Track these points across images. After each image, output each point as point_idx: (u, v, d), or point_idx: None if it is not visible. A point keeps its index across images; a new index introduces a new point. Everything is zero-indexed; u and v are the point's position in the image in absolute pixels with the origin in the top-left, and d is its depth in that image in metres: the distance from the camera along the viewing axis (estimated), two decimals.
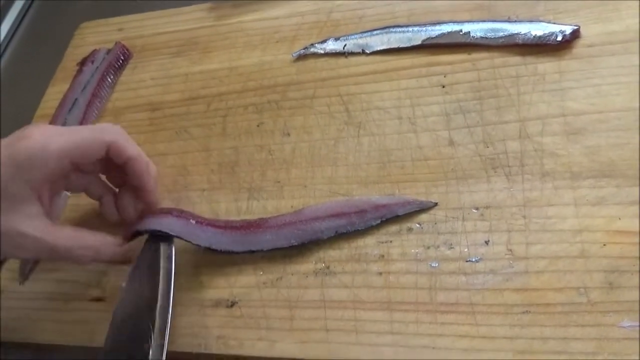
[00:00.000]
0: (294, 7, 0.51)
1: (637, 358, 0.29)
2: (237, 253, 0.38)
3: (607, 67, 0.38)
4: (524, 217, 0.34)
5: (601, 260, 0.32)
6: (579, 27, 0.40)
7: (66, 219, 0.45)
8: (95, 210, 0.42)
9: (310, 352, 0.34)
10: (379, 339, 0.33)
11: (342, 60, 0.46)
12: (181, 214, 0.39)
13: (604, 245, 0.32)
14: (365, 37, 0.46)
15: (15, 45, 0.67)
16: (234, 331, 0.36)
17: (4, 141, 0.34)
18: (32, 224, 0.35)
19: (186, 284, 0.38)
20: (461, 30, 0.42)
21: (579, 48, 0.40)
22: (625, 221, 0.33)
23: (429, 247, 0.35)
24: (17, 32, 0.68)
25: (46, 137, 0.34)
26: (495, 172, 0.36)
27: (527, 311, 0.31)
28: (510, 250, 0.34)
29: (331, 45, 0.46)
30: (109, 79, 0.52)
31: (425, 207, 0.37)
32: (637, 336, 0.29)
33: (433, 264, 0.34)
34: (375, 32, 0.45)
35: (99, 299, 0.40)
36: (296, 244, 0.37)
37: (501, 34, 0.41)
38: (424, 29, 0.44)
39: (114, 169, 0.39)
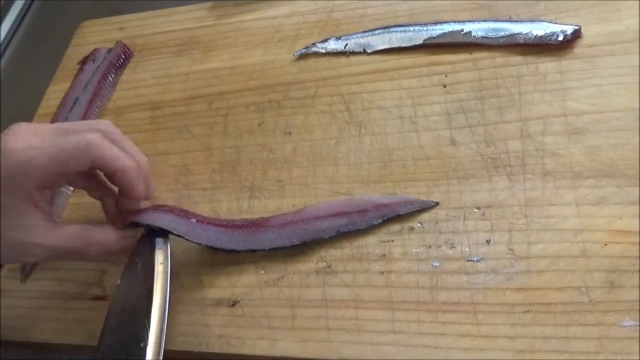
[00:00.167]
0: (295, 6, 0.51)
1: (638, 357, 0.29)
2: (239, 252, 0.37)
3: (608, 67, 0.38)
4: (526, 216, 0.34)
5: (602, 259, 0.32)
6: (580, 27, 0.40)
7: (67, 218, 0.45)
8: (98, 207, 0.42)
9: (312, 351, 0.34)
10: (381, 338, 0.33)
11: (343, 60, 0.46)
12: (182, 212, 0.39)
13: (605, 244, 0.32)
14: (366, 36, 0.46)
15: (16, 44, 0.67)
16: (236, 330, 0.36)
17: None
18: (33, 232, 0.34)
19: (188, 283, 0.38)
20: (462, 30, 0.42)
21: (580, 48, 0.40)
22: (626, 221, 0.33)
23: (430, 247, 0.35)
24: (18, 31, 0.68)
25: (26, 152, 0.33)
26: (496, 171, 0.37)
27: (528, 310, 0.32)
28: (512, 249, 0.34)
29: (332, 45, 0.46)
30: (110, 78, 0.52)
31: (426, 207, 0.37)
32: (638, 335, 0.30)
33: (434, 264, 0.34)
34: (376, 31, 0.45)
35: (99, 298, 0.40)
36: (298, 243, 0.37)
37: (502, 33, 0.41)
38: (425, 28, 0.44)
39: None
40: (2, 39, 0.66)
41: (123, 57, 0.53)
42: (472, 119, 0.39)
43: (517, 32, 0.41)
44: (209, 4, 0.55)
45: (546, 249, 0.33)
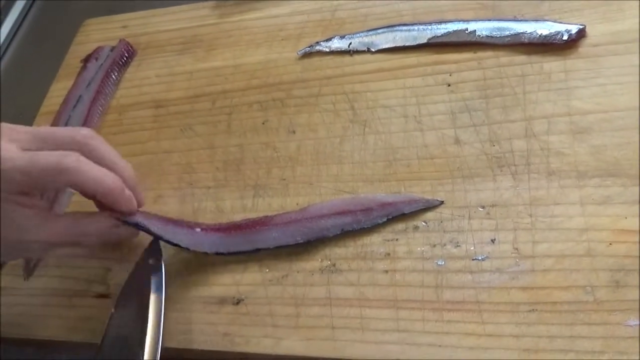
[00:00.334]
0: (298, 5, 0.51)
1: None
2: (244, 253, 0.37)
3: (613, 66, 0.38)
4: (530, 215, 0.34)
5: (607, 259, 0.32)
6: (585, 26, 0.40)
7: None
8: None
9: (316, 349, 0.34)
10: (385, 336, 0.33)
11: (347, 59, 0.46)
12: (187, 224, 0.39)
13: (610, 244, 0.32)
14: (370, 35, 0.46)
15: (19, 42, 0.67)
16: (240, 328, 0.36)
17: None
18: (25, 230, 0.34)
19: (192, 280, 0.38)
20: (467, 29, 0.42)
21: (584, 47, 0.40)
22: (630, 220, 0.33)
23: (435, 246, 0.35)
24: (21, 28, 0.68)
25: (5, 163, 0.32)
26: (501, 170, 0.37)
27: (533, 309, 0.32)
28: (517, 248, 0.34)
29: (336, 44, 0.46)
30: (113, 76, 0.52)
31: (431, 206, 0.37)
32: None
33: (439, 262, 0.34)
34: (380, 30, 0.45)
35: (102, 296, 0.40)
36: (302, 241, 0.37)
37: (507, 33, 0.41)
38: (430, 27, 0.44)
39: None
40: (5, 35, 0.66)
41: (126, 55, 0.53)
42: (477, 118, 0.39)
43: (521, 31, 0.41)
44: (212, 2, 0.55)
45: (551, 248, 0.33)
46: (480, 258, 0.34)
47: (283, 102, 0.45)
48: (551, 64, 0.40)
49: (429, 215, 0.36)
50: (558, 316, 0.31)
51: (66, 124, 0.49)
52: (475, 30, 0.42)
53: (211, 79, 0.49)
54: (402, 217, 0.37)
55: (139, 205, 0.37)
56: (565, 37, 0.40)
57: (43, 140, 0.34)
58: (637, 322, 0.30)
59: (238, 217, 0.40)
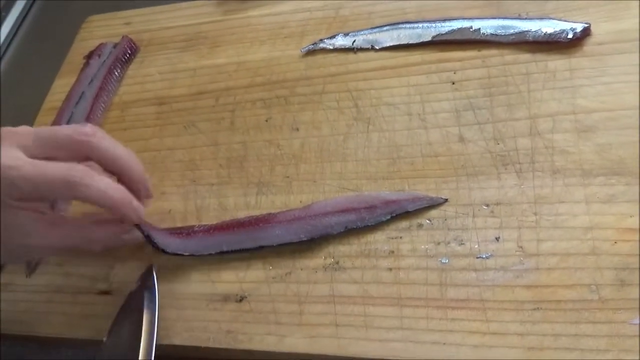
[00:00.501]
0: (302, 3, 0.51)
1: None
2: (247, 250, 0.37)
3: (618, 65, 0.38)
4: (535, 214, 0.34)
5: (612, 257, 0.32)
6: (590, 24, 0.40)
7: (73, 212, 0.45)
8: None
9: (320, 347, 0.34)
10: (389, 334, 0.33)
11: (351, 56, 0.46)
12: (188, 231, 0.39)
13: (615, 242, 0.32)
14: (374, 33, 0.45)
15: (21, 38, 0.67)
16: (243, 326, 0.36)
17: None
18: (29, 234, 0.34)
19: (195, 278, 0.38)
20: (471, 27, 0.42)
21: (589, 46, 0.40)
22: (635, 219, 0.33)
23: (439, 243, 0.35)
24: (23, 25, 0.68)
25: (8, 171, 0.32)
26: (505, 168, 0.36)
27: (538, 308, 0.31)
28: (521, 247, 0.34)
29: (340, 41, 0.46)
30: (116, 73, 0.51)
31: (435, 203, 0.37)
32: None
33: (443, 260, 0.34)
34: (384, 28, 0.45)
35: (106, 293, 0.40)
36: (305, 239, 0.37)
37: (511, 31, 0.41)
38: (434, 25, 0.43)
39: None
40: (8, 32, 0.66)
41: (129, 52, 0.53)
42: (481, 116, 0.39)
43: (526, 29, 0.41)
44: None
45: (556, 246, 0.33)
46: (484, 256, 0.34)
47: (287, 100, 0.45)
48: (556, 63, 0.40)
49: (433, 213, 0.36)
50: (563, 314, 0.31)
51: (69, 121, 0.49)
52: (479, 29, 0.42)
53: (214, 76, 0.49)
54: (406, 214, 0.37)
55: (148, 197, 0.37)
56: (570, 36, 0.39)
57: (46, 143, 0.34)
58: None
59: (241, 215, 0.40)
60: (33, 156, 0.33)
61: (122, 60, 0.52)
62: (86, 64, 0.53)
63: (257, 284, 0.37)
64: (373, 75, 0.44)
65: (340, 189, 0.39)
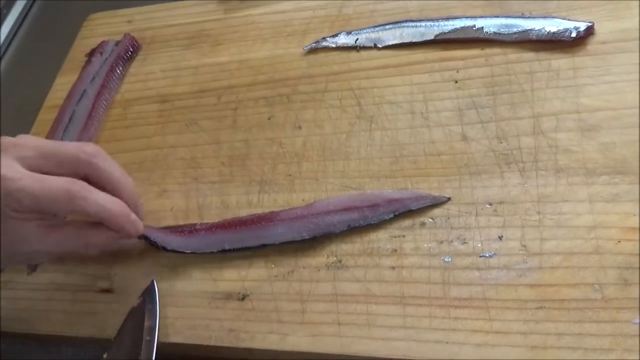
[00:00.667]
0: (304, 1, 0.51)
1: None
2: (250, 248, 0.37)
3: (621, 64, 0.38)
4: (538, 212, 0.34)
5: (616, 256, 0.32)
6: (593, 23, 0.40)
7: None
8: None
9: (322, 345, 0.34)
10: (392, 333, 0.33)
11: (353, 55, 0.46)
12: (190, 228, 0.39)
13: (619, 241, 0.32)
14: (377, 31, 0.45)
15: (22, 37, 0.67)
16: (245, 324, 0.35)
17: None
18: (28, 241, 0.34)
19: (197, 276, 0.38)
20: (474, 26, 0.42)
21: (592, 45, 0.40)
22: (639, 218, 0.33)
23: (442, 242, 0.35)
24: (25, 22, 0.68)
25: (10, 183, 0.32)
26: (508, 167, 0.36)
27: (541, 307, 0.31)
28: (524, 245, 0.33)
29: (343, 39, 0.46)
30: (117, 71, 0.51)
31: (438, 202, 0.36)
32: None
33: (446, 259, 0.34)
34: (387, 26, 0.45)
35: (107, 291, 0.40)
36: (308, 237, 0.37)
37: (515, 29, 0.41)
38: (437, 24, 0.43)
39: None
40: (9, 29, 0.66)
41: (131, 49, 0.53)
42: (484, 114, 0.39)
43: (529, 28, 0.41)
44: None
45: (559, 245, 0.33)
46: (487, 255, 0.34)
47: (289, 98, 0.45)
48: (559, 61, 0.40)
49: (436, 211, 0.36)
50: (566, 314, 0.31)
51: (70, 118, 0.49)
52: (482, 27, 0.42)
53: (217, 74, 0.49)
54: (409, 213, 0.37)
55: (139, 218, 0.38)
56: (573, 35, 0.39)
57: (48, 157, 0.34)
58: None
59: (243, 213, 0.40)
60: (32, 168, 0.34)
61: (124, 58, 0.52)
62: (88, 62, 0.53)
63: (259, 282, 0.37)
64: (376, 74, 0.44)
65: (342, 187, 0.39)
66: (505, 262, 0.33)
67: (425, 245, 0.35)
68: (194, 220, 0.41)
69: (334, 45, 0.46)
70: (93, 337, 0.39)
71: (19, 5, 0.69)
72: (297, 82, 0.46)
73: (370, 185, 0.39)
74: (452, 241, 0.35)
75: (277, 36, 0.49)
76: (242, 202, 0.41)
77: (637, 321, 0.30)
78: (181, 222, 0.41)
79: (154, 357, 0.34)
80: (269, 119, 0.44)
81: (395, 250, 0.35)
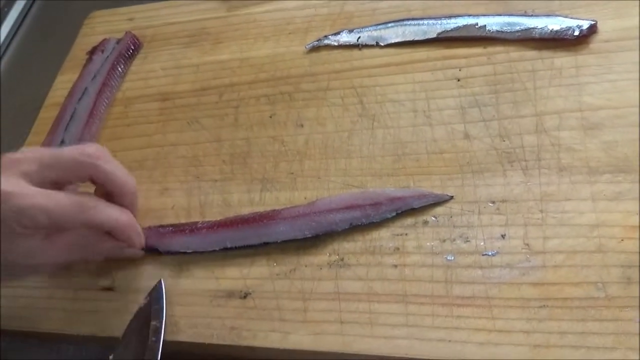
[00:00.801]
0: None
1: None
2: (252, 247, 0.37)
3: (624, 62, 0.38)
4: (541, 211, 0.34)
5: (619, 255, 0.32)
6: (596, 22, 0.40)
7: None
8: None
9: (324, 344, 0.33)
10: (394, 331, 0.33)
11: (356, 53, 0.45)
12: (190, 226, 0.39)
13: (622, 240, 0.32)
14: (379, 29, 0.45)
15: (23, 34, 0.67)
16: (247, 322, 0.35)
17: None
18: (34, 255, 0.34)
19: (199, 274, 0.38)
20: (477, 24, 0.42)
21: (595, 43, 0.40)
22: None
23: (444, 240, 0.35)
24: (26, 20, 0.68)
25: (21, 200, 0.32)
26: (511, 166, 0.36)
27: (544, 305, 0.31)
28: (527, 244, 0.33)
29: (345, 38, 0.46)
30: (119, 69, 0.51)
31: (440, 200, 0.36)
32: None
33: (449, 257, 0.34)
34: (389, 24, 0.45)
35: (108, 289, 0.40)
36: (310, 235, 0.37)
37: (517, 28, 0.41)
38: (440, 22, 0.43)
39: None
40: (10, 27, 0.66)
41: (132, 47, 0.53)
42: (487, 113, 0.39)
43: (532, 26, 0.41)
44: None
45: (562, 244, 0.33)
46: (490, 253, 0.34)
47: (291, 96, 0.45)
48: (562, 60, 0.39)
49: (439, 210, 0.36)
50: (569, 312, 0.31)
51: (72, 117, 0.49)
52: (485, 25, 0.42)
53: (218, 72, 0.49)
54: (411, 211, 0.36)
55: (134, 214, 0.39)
56: (576, 33, 0.39)
57: (51, 168, 0.34)
58: None
59: (245, 211, 0.40)
60: (37, 182, 0.34)
61: (125, 56, 0.52)
62: (89, 60, 0.53)
63: (261, 280, 0.37)
64: (378, 72, 0.44)
65: (344, 185, 0.39)
66: (508, 261, 0.33)
67: (428, 243, 0.35)
68: (195, 218, 0.41)
69: (336, 44, 0.46)
70: (94, 335, 0.38)
71: (19, 4, 0.68)
72: (299, 80, 0.45)
73: (373, 183, 0.39)
74: (454, 239, 0.35)
75: (279, 34, 0.49)
76: (244, 200, 0.41)
77: None
78: (183, 221, 0.41)
79: (159, 358, 0.33)
80: (270, 117, 0.44)
81: (398, 249, 0.35)
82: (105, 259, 0.38)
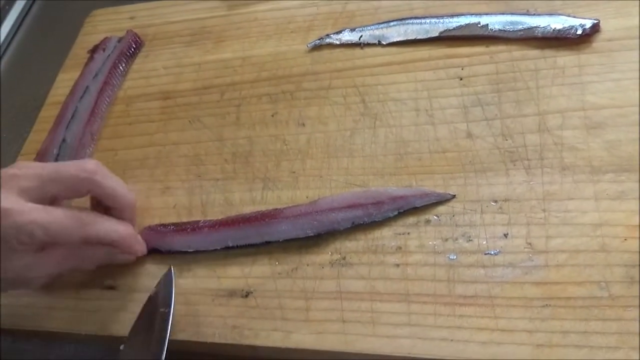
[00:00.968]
0: None
1: None
2: (254, 245, 0.37)
3: (627, 61, 0.38)
4: (544, 210, 0.34)
5: (622, 254, 0.32)
6: (599, 21, 0.40)
7: None
8: None
9: (326, 343, 0.33)
10: (396, 330, 0.33)
11: (357, 51, 0.45)
12: (192, 225, 0.39)
13: (625, 239, 0.32)
14: (381, 28, 0.45)
15: (24, 33, 0.67)
16: (249, 321, 0.35)
17: None
18: (30, 269, 0.34)
19: (200, 273, 0.38)
20: (479, 23, 0.42)
21: (598, 42, 0.40)
22: None
23: (447, 240, 0.35)
24: (26, 18, 0.68)
25: (18, 217, 0.33)
26: (514, 165, 0.36)
27: (547, 305, 0.31)
28: (530, 243, 0.33)
29: (347, 36, 0.46)
30: (120, 67, 0.51)
31: (443, 199, 0.36)
32: None
33: (451, 257, 0.34)
34: (391, 23, 0.45)
35: (111, 288, 0.40)
36: (312, 234, 0.37)
37: (520, 26, 0.41)
38: (442, 20, 0.43)
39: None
40: (12, 25, 0.66)
41: (134, 46, 0.53)
42: (489, 112, 0.39)
43: (535, 25, 0.41)
44: None
45: (565, 243, 0.33)
46: (492, 252, 0.34)
47: (293, 95, 0.45)
48: (565, 59, 0.39)
49: (441, 209, 0.36)
50: (572, 311, 0.31)
51: (73, 115, 0.49)
52: (487, 24, 0.42)
53: (220, 70, 0.49)
54: (413, 210, 0.36)
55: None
56: (579, 32, 0.39)
57: (49, 183, 0.35)
58: None
59: (247, 210, 0.40)
60: (36, 198, 0.34)
61: (126, 55, 0.52)
62: (90, 58, 0.53)
63: (263, 279, 0.37)
64: (380, 71, 0.44)
65: (347, 184, 0.39)
66: (510, 260, 0.33)
67: (430, 242, 0.35)
68: (197, 217, 0.41)
69: (337, 42, 0.46)
70: (96, 334, 0.38)
71: (19, 3, 0.68)
72: (301, 79, 0.45)
73: (375, 182, 0.39)
74: (457, 239, 0.35)
75: (281, 33, 0.49)
76: (245, 199, 0.41)
77: None
78: (184, 220, 0.41)
79: (166, 345, 0.34)
80: (272, 115, 0.44)
81: (400, 248, 0.35)
82: (98, 266, 0.38)
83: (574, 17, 0.40)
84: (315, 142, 0.42)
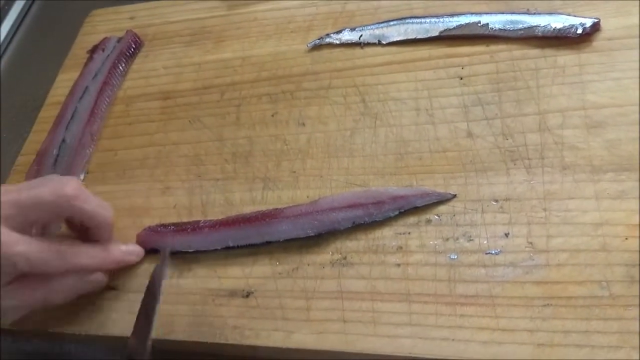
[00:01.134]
0: None
1: None
2: (254, 245, 0.37)
3: (627, 60, 0.38)
4: (545, 209, 0.34)
5: (622, 253, 0.32)
6: (599, 20, 0.40)
7: None
8: None
9: (327, 343, 0.33)
10: (397, 330, 0.33)
11: (357, 51, 0.45)
12: (192, 225, 0.39)
13: (626, 239, 0.32)
14: (381, 27, 0.45)
15: (23, 33, 0.67)
16: (250, 321, 0.35)
17: None
18: (14, 296, 0.34)
19: (201, 273, 0.38)
20: (479, 22, 0.42)
21: (598, 41, 0.40)
22: None
23: (447, 239, 0.35)
24: (26, 18, 0.67)
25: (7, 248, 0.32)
26: (514, 164, 0.36)
27: (548, 304, 0.31)
28: (531, 242, 0.33)
29: (347, 36, 0.46)
30: (120, 67, 0.51)
31: (443, 199, 0.36)
32: None
33: (452, 256, 0.34)
34: (391, 22, 0.45)
35: (111, 288, 0.40)
36: (313, 234, 0.37)
37: (520, 26, 0.41)
38: (442, 20, 0.43)
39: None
40: (11, 24, 0.65)
41: (133, 46, 0.53)
42: (490, 111, 0.39)
43: (535, 24, 0.41)
44: None
45: (566, 242, 0.33)
46: (493, 252, 0.34)
47: (293, 95, 0.45)
48: (565, 58, 0.39)
49: (442, 208, 0.36)
50: (573, 311, 0.31)
51: (72, 115, 0.48)
52: (488, 23, 0.42)
53: (220, 70, 0.49)
54: (414, 210, 0.36)
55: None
56: (579, 31, 0.39)
57: (29, 211, 0.34)
58: None
59: (247, 210, 0.40)
60: (17, 225, 0.33)
61: (126, 55, 0.52)
62: (90, 59, 0.53)
63: (263, 279, 0.37)
64: (380, 70, 0.44)
65: (347, 184, 0.39)
66: (511, 259, 0.33)
67: (431, 242, 0.35)
68: (197, 217, 0.41)
69: (337, 42, 0.46)
70: (96, 334, 0.38)
71: (19, 3, 0.68)
72: (301, 79, 0.45)
73: (375, 182, 0.38)
74: (457, 238, 0.35)
75: (281, 33, 0.49)
76: (245, 199, 0.41)
77: None
78: (185, 220, 0.41)
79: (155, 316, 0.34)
80: (272, 115, 0.44)
81: (401, 248, 0.35)
82: (67, 298, 0.37)
83: (574, 16, 0.40)
84: (315, 141, 0.42)
